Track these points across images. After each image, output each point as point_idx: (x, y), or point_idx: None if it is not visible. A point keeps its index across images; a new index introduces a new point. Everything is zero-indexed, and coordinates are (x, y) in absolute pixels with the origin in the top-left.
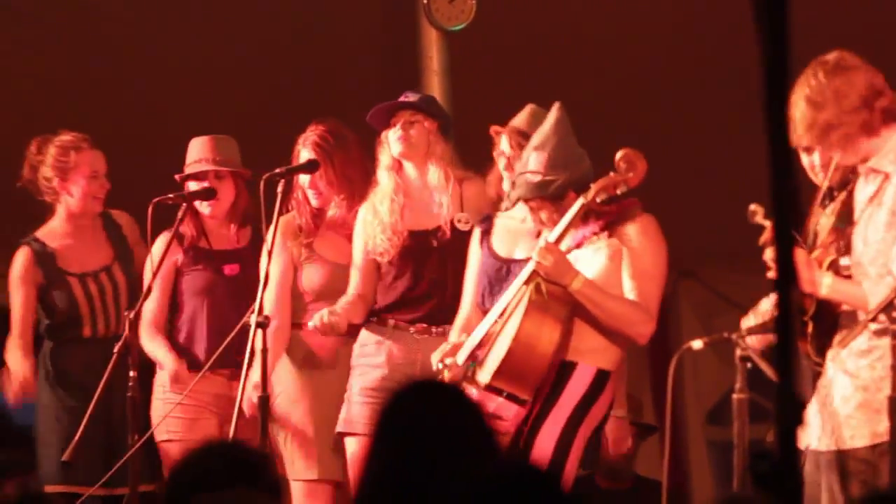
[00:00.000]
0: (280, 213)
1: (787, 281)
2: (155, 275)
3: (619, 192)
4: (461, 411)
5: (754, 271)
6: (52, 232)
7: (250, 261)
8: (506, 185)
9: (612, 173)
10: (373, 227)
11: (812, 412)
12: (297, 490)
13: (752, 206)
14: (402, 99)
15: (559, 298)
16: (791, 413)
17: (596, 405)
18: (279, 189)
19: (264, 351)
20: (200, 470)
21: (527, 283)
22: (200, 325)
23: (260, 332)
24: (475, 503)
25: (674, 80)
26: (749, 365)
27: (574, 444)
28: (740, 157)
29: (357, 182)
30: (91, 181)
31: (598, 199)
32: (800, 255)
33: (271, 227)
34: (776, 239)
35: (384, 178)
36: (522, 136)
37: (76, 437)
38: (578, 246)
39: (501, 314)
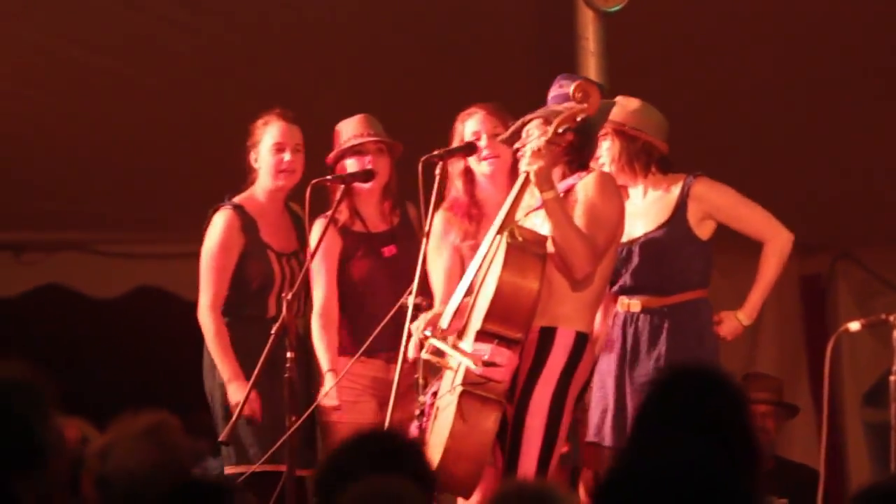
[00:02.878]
0: (439, 197)
1: None
2: (311, 258)
3: (578, 119)
4: (723, 400)
5: None
6: (251, 201)
7: (404, 239)
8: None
9: (567, 104)
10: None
11: None
12: None
13: None
14: (556, 86)
15: (533, 241)
16: None
17: (579, 369)
18: (437, 172)
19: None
20: (351, 459)
21: (499, 232)
22: (364, 312)
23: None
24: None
25: (830, 60)
26: None
27: (565, 409)
28: None
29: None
30: (275, 154)
31: (559, 130)
32: None
33: (430, 211)
34: None
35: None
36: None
37: (233, 419)
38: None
39: (479, 269)
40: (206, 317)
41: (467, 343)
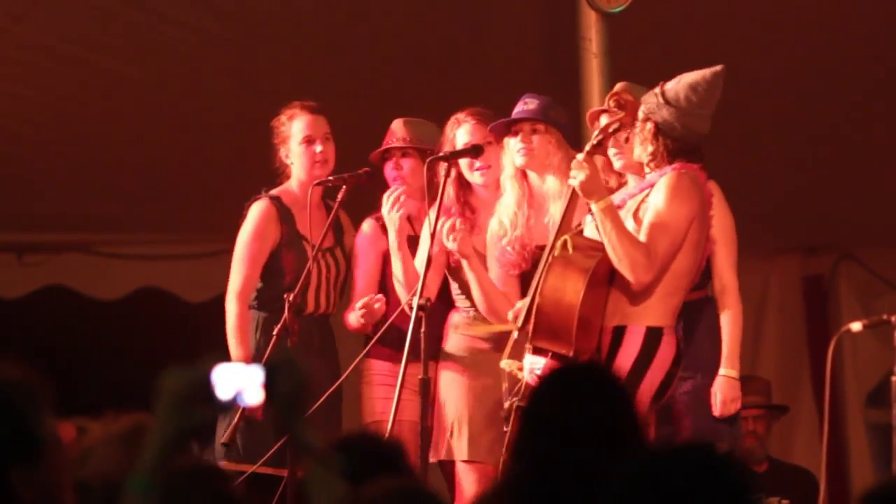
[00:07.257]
0: (443, 196)
1: None
2: (316, 254)
3: (611, 129)
4: (604, 396)
5: None
6: (288, 194)
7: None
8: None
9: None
10: (501, 241)
11: None
12: (459, 469)
13: None
14: (521, 103)
15: (583, 250)
16: None
17: (654, 363)
18: (441, 171)
19: (426, 334)
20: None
21: (553, 244)
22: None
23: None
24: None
25: (836, 64)
26: None
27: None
28: None
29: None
30: (306, 147)
31: (593, 142)
32: None
33: (433, 210)
34: None
35: (508, 186)
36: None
37: (235, 420)
38: (619, 207)
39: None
40: (232, 303)
41: (526, 357)
